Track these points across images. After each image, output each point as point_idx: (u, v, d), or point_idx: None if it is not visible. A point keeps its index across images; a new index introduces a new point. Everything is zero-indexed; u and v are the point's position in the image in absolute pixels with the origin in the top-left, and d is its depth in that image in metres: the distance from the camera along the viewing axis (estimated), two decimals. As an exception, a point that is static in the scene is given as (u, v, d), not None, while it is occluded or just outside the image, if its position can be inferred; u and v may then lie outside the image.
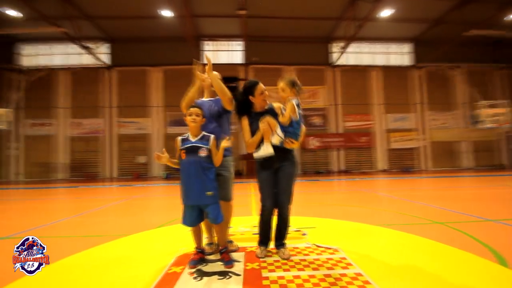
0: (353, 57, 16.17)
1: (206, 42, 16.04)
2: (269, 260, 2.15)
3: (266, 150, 2.15)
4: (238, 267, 2.01)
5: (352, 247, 2.40)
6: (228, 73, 15.60)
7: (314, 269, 1.96)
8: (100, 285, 1.79)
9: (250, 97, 2.24)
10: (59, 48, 15.40)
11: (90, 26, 13.77)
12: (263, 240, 2.30)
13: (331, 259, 2.14)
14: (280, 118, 2.18)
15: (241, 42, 15.52)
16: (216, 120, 2.40)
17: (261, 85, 2.26)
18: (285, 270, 1.95)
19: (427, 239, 2.58)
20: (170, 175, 13.40)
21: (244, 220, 3.54)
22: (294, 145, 2.22)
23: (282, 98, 2.22)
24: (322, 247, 2.43)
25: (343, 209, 4.51)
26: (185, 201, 2.09)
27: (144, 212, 4.81)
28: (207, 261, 2.13)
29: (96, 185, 10.84)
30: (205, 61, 2.39)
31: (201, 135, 2.16)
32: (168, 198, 6.96)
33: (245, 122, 2.27)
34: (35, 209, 5.59)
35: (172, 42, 15.02)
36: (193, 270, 1.97)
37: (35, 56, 15.32)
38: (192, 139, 2.13)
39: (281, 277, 1.82)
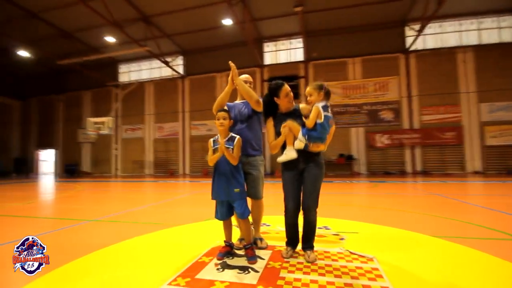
0: (433, 39, 13.85)
1: (266, 44, 16.41)
2: (293, 261, 2.14)
3: (289, 155, 2.15)
4: (260, 264, 2.08)
5: (392, 258, 2.15)
6: (288, 72, 15.67)
7: (336, 276, 1.86)
8: (140, 265, 2.13)
9: (275, 99, 2.27)
10: (145, 64, 18.32)
11: (168, 43, 15.91)
12: (290, 241, 2.30)
13: (360, 268, 1.99)
14: (306, 122, 2.15)
15: (301, 39, 15.27)
16: (246, 121, 2.52)
17: (286, 87, 2.27)
18: (305, 273, 1.91)
19: (497, 258, 2.10)
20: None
21: (276, 219, 3.55)
22: (319, 148, 2.15)
23: (310, 102, 2.17)
24: (355, 254, 2.27)
25: (402, 215, 4.00)
26: (215, 197, 2.28)
27: (199, 205, 5.34)
28: (234, 255, 2.27)
29: (172, 180, 12.48)
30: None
31: (229, 136, 2.31)
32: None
33: (270, 123, 2.31)
34: (123, 198, 6.87)
35: (235, 47, 15.97)
36: (220, 261, 2.14)
37: (128, 72, 18.67)
38: (220, 140, 2.30)
39: (298, 279, 1.81)
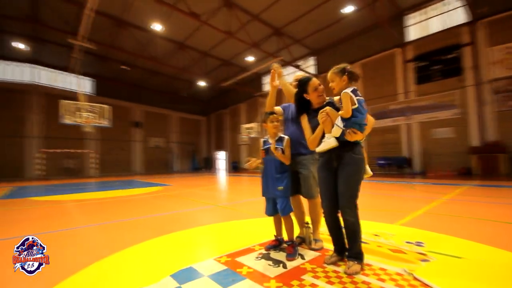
0: None
1: (409, 16, 13.63)
2: (330, 268, 2.00)
3: (328, 143, 2.00)
4: (295, 263, 2.11)
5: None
6: (444, 43, 12.30)
7: (363, 295, 1.61)
8: (208, 242, 2.73)
9: (305, 95, 2.21)
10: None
11: (299, 47, 16.93)
12: (335, 246, 2.15)
13: (406, 296, 1.58)
14: (341, 112, 1.96)
15: (460, -5, 11.50)
16: (295, 122, 2.59)
17: (314, 81, 2.17)
18: (328, 282, 1.78)
19: None
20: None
21: (369, 225, 3.12)
22: (357, 136, 1.89)
23: (333, 90, 1.98)
24: (419, 281, 1.77)
25: None
26: (263, 194, 2.53)
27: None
28: (281, 250, 2.40)
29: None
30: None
31: (278, 137, 2.49)
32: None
33: (305, 119, 2.25)
34: (252, 190, 8.19)
35: (365, 33, 14.54)
36: (265, 252, 2.36)
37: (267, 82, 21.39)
38: (271, 141, 2.52)
39: (314, 285, 1.74)
